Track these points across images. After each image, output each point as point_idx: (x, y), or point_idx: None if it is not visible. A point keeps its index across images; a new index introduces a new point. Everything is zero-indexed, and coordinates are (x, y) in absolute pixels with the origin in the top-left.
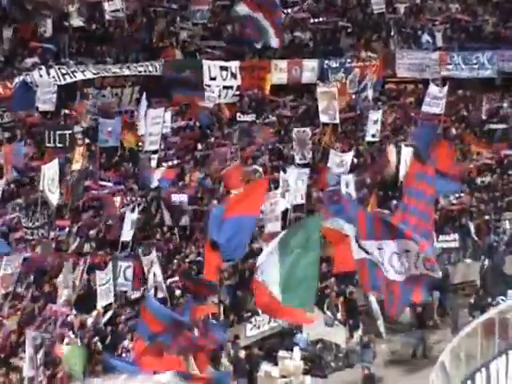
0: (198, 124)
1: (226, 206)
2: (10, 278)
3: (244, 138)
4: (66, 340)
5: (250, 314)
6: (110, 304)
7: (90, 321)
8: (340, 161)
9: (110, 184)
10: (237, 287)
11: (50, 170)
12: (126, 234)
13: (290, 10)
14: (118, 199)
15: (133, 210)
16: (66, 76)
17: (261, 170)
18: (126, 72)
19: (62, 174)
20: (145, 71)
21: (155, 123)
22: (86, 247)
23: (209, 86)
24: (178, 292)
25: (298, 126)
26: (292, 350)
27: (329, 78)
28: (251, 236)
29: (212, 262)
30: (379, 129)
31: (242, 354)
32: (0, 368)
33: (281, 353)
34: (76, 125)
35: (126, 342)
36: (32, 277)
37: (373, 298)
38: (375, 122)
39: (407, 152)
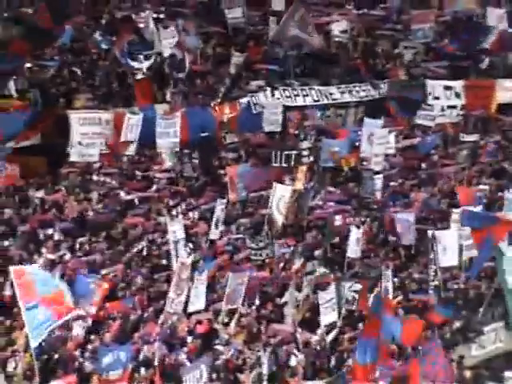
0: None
1: None
2: (234, 294)
3: (470, 158)
4: (292, 357)
5: (475, 333)
6: (335, 322)
7: (314, 339)
8: None
9: (333, 204)
10: None
11: (280, 190)
12: (353, 252)
13: None
14: (340, 218)
15: (358, 228)
16: (289, 99)
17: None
18: (348, 98)
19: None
20: (366, 96)
21: (380, 144)
22: (310, 266)
23: (431, 105)
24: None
25: None
26: None
27: None
28: None
29: None
30: None
31: (468, 374)
32: None
33: (507, 373)
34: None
35: (349, 361)
36: (257, 296)
37: None
38: None
39: None
